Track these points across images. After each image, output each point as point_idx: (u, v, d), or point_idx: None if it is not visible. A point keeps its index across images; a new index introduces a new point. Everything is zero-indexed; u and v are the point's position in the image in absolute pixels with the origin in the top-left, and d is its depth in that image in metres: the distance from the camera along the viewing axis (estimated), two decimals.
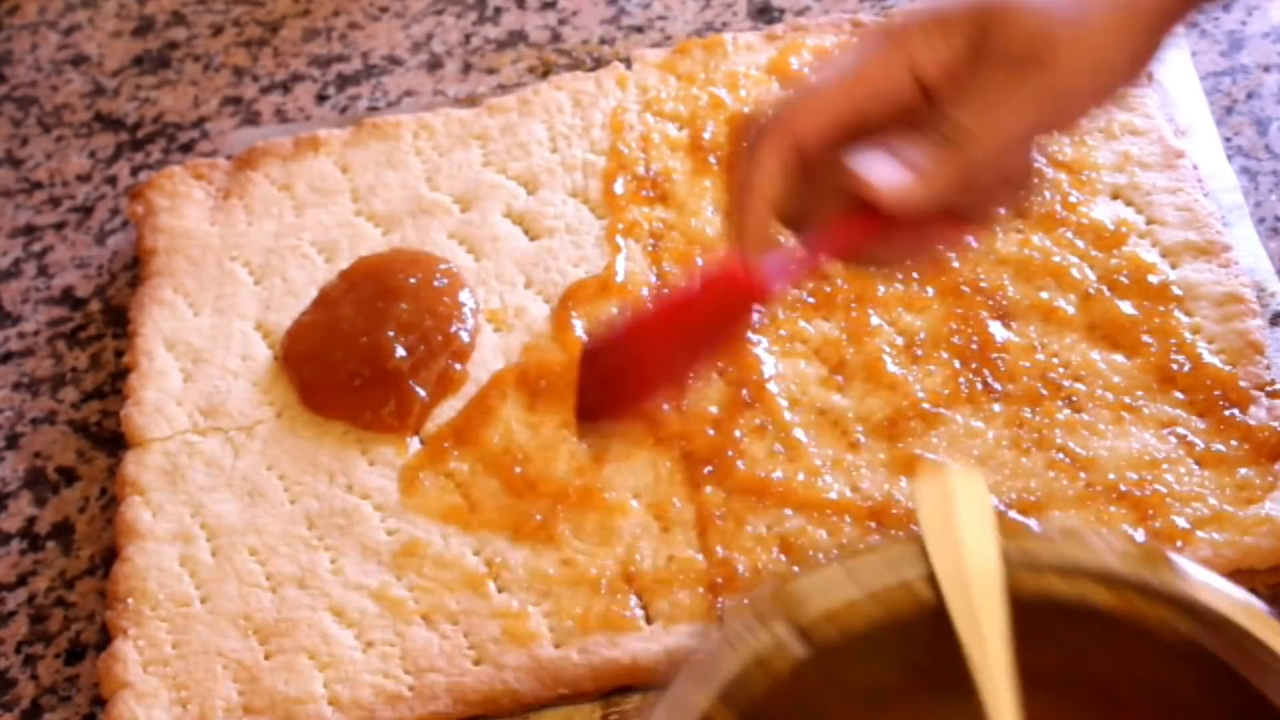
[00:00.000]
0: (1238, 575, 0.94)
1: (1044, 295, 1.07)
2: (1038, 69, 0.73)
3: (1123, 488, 0.97)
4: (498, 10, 1.41)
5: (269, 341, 1.15)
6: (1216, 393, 1.00)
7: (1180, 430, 0.99)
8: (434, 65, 1.38)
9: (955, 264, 1.08)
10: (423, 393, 1.07)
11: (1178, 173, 1.11)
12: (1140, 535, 0.95)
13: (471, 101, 1.29)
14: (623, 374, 0.82)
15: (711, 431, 1.04)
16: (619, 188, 1.18)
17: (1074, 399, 1.02)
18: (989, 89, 0.73)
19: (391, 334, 1.09)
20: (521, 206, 1.19)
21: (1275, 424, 0.98)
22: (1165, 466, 0.98)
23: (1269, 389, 1.00)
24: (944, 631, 0.69)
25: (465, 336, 1.10)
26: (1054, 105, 0.75)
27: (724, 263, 0.79)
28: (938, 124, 0.74)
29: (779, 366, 1.07)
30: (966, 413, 1.02)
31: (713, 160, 1.17)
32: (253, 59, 1.42)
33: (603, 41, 1.36)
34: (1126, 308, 1.05)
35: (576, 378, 0.83)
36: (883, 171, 0.73)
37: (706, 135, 1.19)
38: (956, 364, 1.05)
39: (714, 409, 1.05)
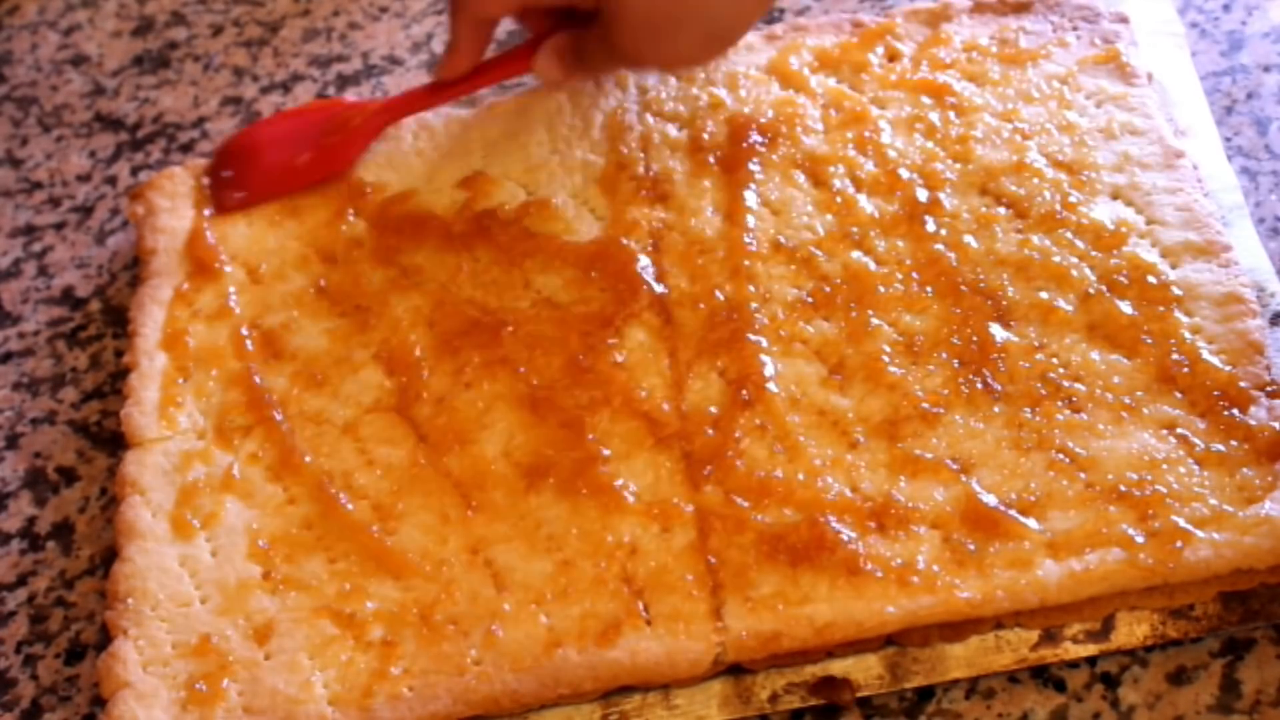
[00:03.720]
0: (1238, 575, 0.94)
1: (1044, 295, 1.07)
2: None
3: (1123, 488, 0.97)
4: None
5: (266, 343, 1.15)
6: (1216, 393, 1.00)
7: (1180, 430, 0.99)
8: (434, 65, 1.38)
9: (955, 264, 1.09)
10: None
11: (1178, 173, 1.11)
12: (1140, 535, 0.95)
13: (471, 101, 1.29)
14: (245, 161, 1.23)
15: (711, 431, 1.04)
16: (619, 188, 1.18)
17: (1074, 399, 1.02)
18: (598, 43, 1.11)
19: None
20: (522, 208, 1.19)
21: (1275, 424, 0.98)
22: (1165, 466, 0.98)
23: (1269, 389, 1.00)
24: None
25: None
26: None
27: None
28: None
29: (779, 366, 1.07)
30: (966, 413, 1.02)
31: (712, 160, 1.18)
32: (253, 59, 1.42)
33: None
34: (1126, 308, 1.05)
35: (209, 167, 1.24)
36: (546, 67, 1.16)
37: (706, 135, 1.19)
38: (956, 364, 1.05)
39: (714, 409, 1.05)
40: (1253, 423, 0.99)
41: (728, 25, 1.10)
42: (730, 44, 1.15)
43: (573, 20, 1.13)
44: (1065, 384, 1.02)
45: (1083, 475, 0.98)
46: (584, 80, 1.22)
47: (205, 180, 1.23)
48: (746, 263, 1.12)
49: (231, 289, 1.18)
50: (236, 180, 1.23)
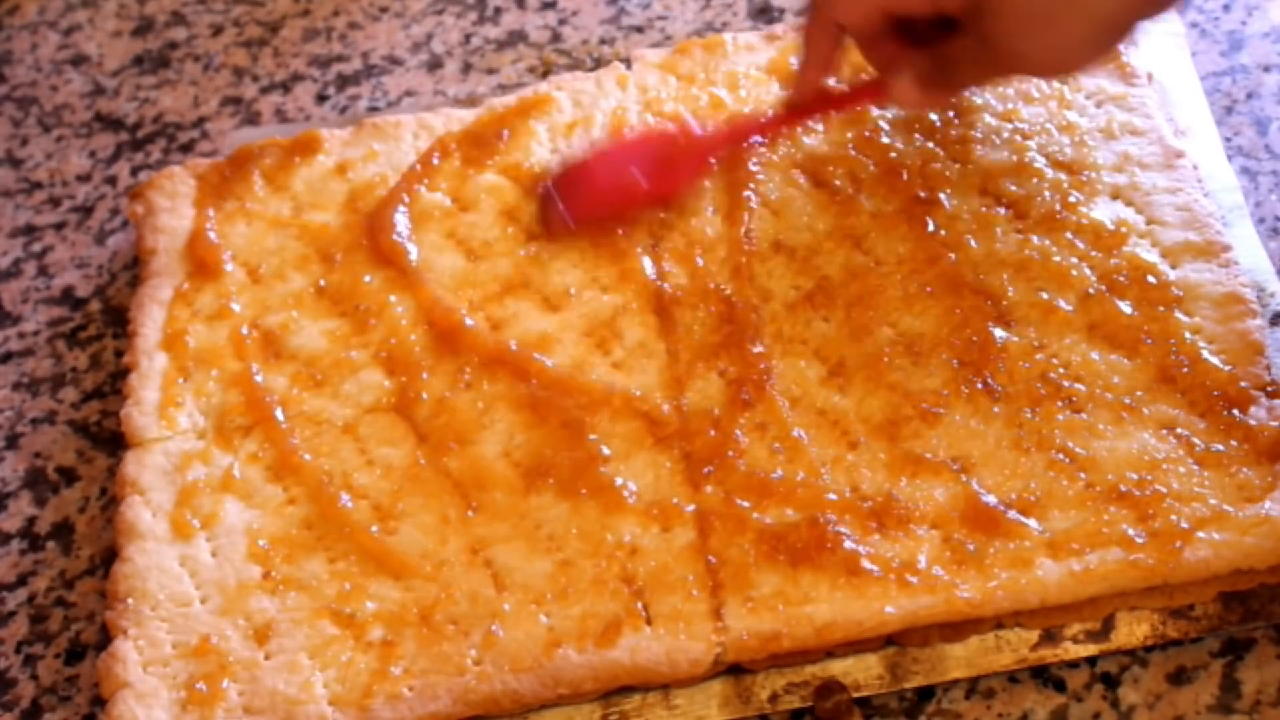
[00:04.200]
0: (1238, 575, 0.94)
1: (1044, 295, 1.07)
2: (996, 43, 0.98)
3: (1123, 488, 0.97)
4: (498, 10, 1.41)
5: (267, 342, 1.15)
6: (1216, 393, 1.00)
7: (1180, 430, 0.99)
8: (434, 65, 1.38)
9: (955, 264, 1.09)
10: None
11: (1178, 173, 1.11)
12: (1140, 535, 0.95)
13: (471, 101, 1.30)
14: (581, 190, 1.15)
15: (712, 432, 1.04)
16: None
17: (1074, 399, 1.02)
18: (969, 52, 1.00)
19: None
20: (522, 207, 1.19)
21: (1275, 424, 0.98)
22: (1165, 467, 0.98)
23: (1269, 389, 1.00)
24: None
25: None
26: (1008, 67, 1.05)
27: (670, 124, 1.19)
28: (946, 50, 1.02)
29: (779, 366, 1.07)
30: (966, 413, 1.02)
31: (713, 160, 1.17)
32: (253, 59, 1.42)
33: (603, 41, 1.36)
34: (1126, 308, 1.05)
35: (540, 199, 1.16)
36: (904, 91, 1.05)
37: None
38: (956, 364, 1.05)
39: (714, 409, 1.05)
40: (1253, 423, 0.99)
41: (1117, 16, 0.97)
42: (1119, 40, 1.00)
43: (923, 38, 1.04)
44: (1065, 384, 1.02)
45: (1083, 475, 0.98)
46: (944, 101, 1.16)
47: (540, 203, 1.16)
48: (746, 262, 1.12)
49: (231, 289, 1.18)
50: (568, 206, 1.15)
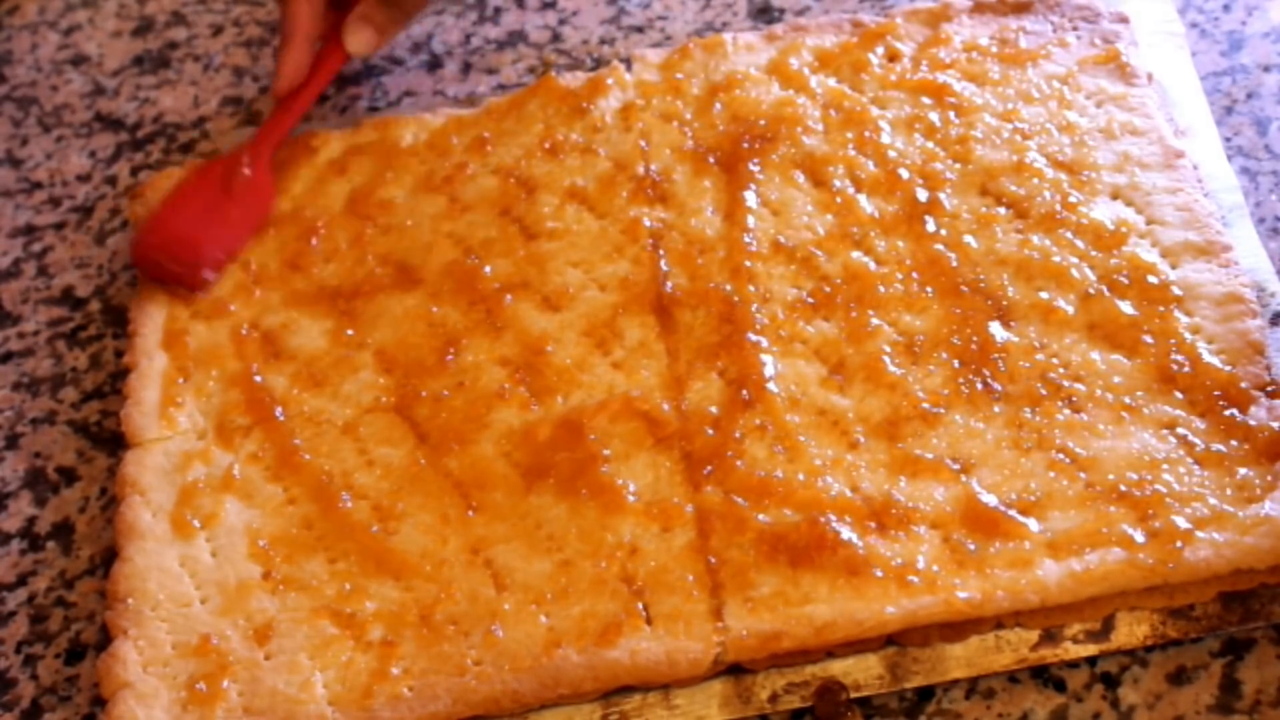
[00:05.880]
0: (1238, 575, 0.94)
1: (1044, 295, 1.07)
2: None
3: (1123, 488, 0.97)
4: (498, 10, 1.41)
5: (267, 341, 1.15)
6: (1216, 393, 1.00)
7: (1180, 430, 0.99)
8: (434, 65, 1.38)
9: (955, 264, 1.09)
10: None
11: (1178, 173, 1.11)
12: (1140, 535, 0.95)
13: (471, 101, 1.30)
14: (184, 246, 1.19)
15: (711, 431, 1.04)
16: (619, 188, 1.18)
17: (1074, 399, 1.02)
18: None
19: None
20: (521, 207, 1.19)
21: (1275, 424, 0.98)
22: (1165, 466, 0.98)
23: (1269, 389, 1.00)
24: None
25: None
26: None
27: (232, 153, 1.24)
28: None
29: (779, 366, 1.07)
30: (966, 413, 1.02)
31: (712, 160, 1.18)
32: (253, 59, 1.42)
33: (603, 41, 1.36)
34: (1126, 308, 1.05)
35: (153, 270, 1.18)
36: (360, 38, 1.26)
37: (706, 135, 1.19)
38: (956, 364, 1.05)
39: (714, 409, 1.05)
40: (1253, 423, 0.99)
41: None
42: None
43: None
44: (1065, 384, 1.02)
45: (1083, 475, 0.98)
46: (398, 32, 1.29)
47: (157, 277, 1.19)
48: (747, 263, 1.12)
49: (232, 289, 1.18)
50: (192, 266, 1.18)
